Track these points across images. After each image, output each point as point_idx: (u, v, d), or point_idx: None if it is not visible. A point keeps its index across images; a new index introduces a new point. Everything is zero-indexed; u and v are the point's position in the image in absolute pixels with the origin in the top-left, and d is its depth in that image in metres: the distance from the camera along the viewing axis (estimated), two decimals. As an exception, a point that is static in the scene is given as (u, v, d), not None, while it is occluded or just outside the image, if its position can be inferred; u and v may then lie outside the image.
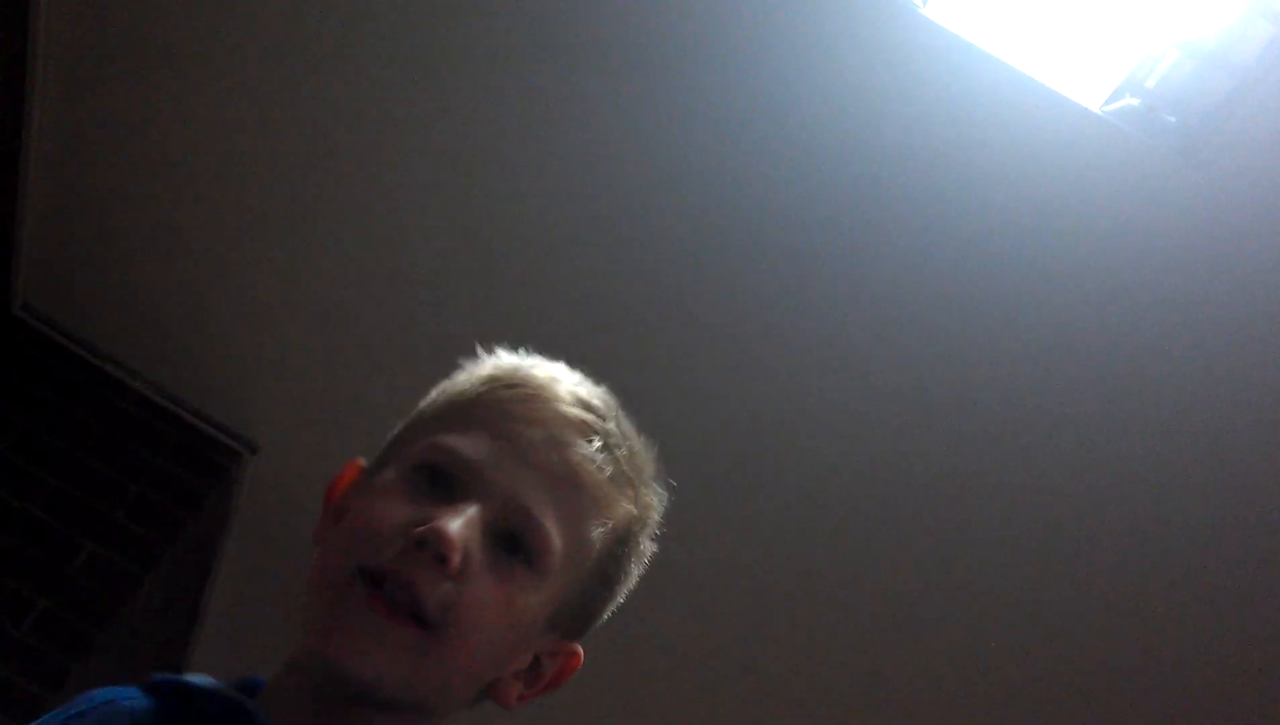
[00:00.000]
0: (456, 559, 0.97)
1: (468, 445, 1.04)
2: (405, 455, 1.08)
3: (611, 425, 1.09)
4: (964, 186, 2.46)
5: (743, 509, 3.11)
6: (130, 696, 1.08)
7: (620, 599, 1.12)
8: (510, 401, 1.08)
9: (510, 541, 1.01)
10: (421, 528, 0.98)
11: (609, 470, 1.06)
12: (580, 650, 1.10)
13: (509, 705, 1.07)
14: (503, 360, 1.13)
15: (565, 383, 1.10)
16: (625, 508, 1.08)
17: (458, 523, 0.98)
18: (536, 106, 2.59)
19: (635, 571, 1.12)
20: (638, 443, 1.12)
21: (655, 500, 1.13)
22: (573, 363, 1.14)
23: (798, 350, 2.80)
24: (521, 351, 1.14)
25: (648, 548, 1.13)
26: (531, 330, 2.94)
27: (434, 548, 0.97)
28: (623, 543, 1.09)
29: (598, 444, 1.06)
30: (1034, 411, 2.72)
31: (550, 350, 1.16)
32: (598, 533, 1.05)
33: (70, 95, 2.88)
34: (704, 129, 2.53)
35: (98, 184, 3.06)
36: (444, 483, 1.03)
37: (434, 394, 1.16)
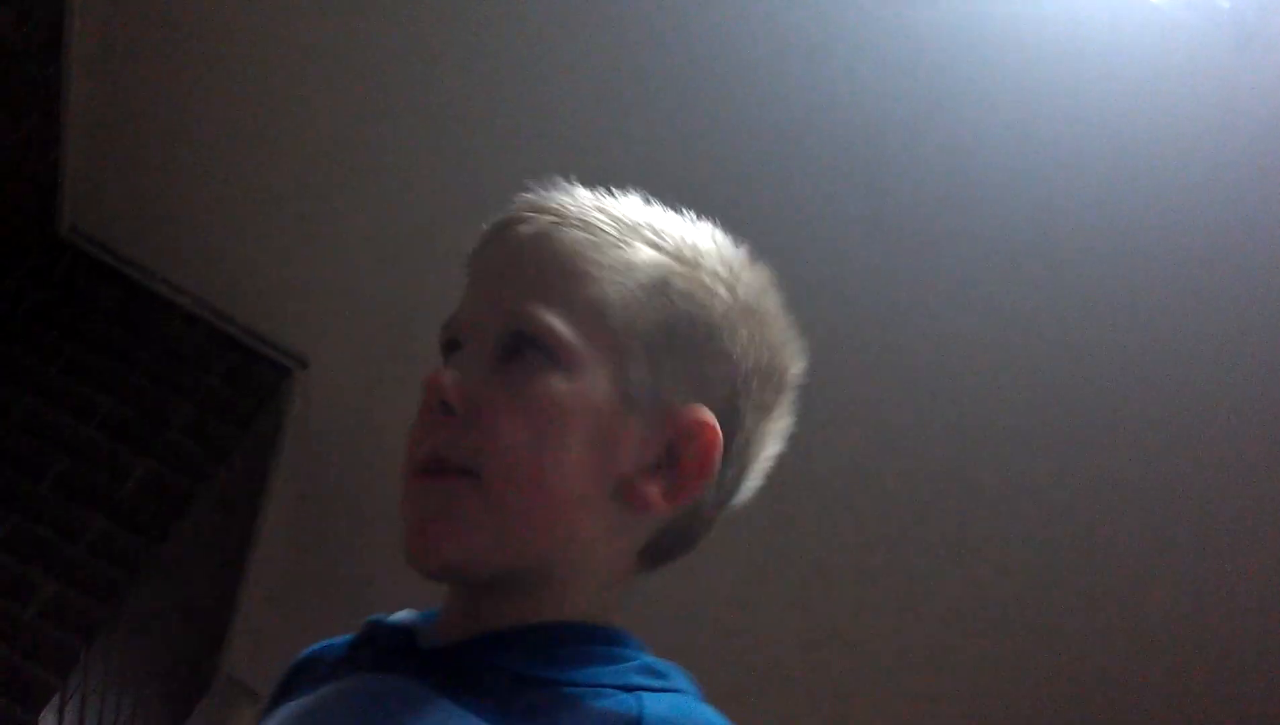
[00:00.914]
0: (450, 397, 0.94)
1: (464, 303, 1.02)
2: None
3: (588, 207, 1.02)
4: (1001, 77, 2.41)
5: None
6: (334, 645, 1.07)
7: (741, 348, 1.01)
8: (486, 238, 1.05)
9: (519, 354, 0.96)
10: (422, 398, 0.96)
11: (591, 239, 1.00)
12: (701, 414, 0.97)
13: (657, 507, 0.97)
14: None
15: (533, 195, 1.05)
16: (638, 257, 1.00)
17: (446, 372, 0.96)
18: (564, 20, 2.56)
19: (720, 313, 1.00)
20: (652, 210, 1.04)
21: (694, 239, 1.03)
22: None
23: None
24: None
25: (723, 284, 1.01)
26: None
27: (434, 401, 0.95)
28: (662, 288, 0.99)
29: (570, 225, 1.00)
30: (1080, 319, 2.69)
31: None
32: (607, 293, 0.97)
33: (111, 14, 2.86)
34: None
35: (141, 104, 3.05)
36: (454, 351, 1.00)
37: None
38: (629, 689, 0.90)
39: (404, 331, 3.32)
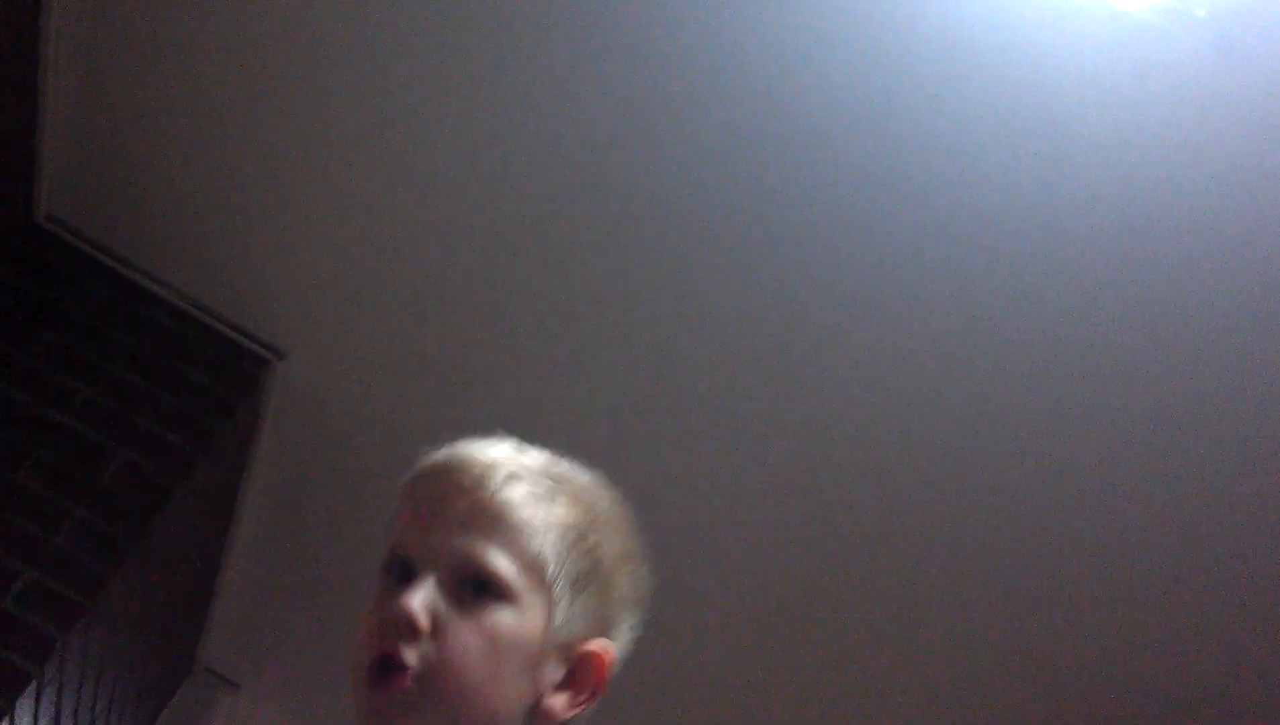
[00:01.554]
0: (420, 619, 1.16)
1: (409, 531, 1.25)
2: (381, 565, 1.26)
3: (521, 464, 1.27)
4: (980, 86, 2.42)
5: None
6: None
7: (623, 589, 1.28)
8: (431, 480, 1.27)
9: (472, 588, 1.19)
10: (388, 611, 1.18)
11: (525, 494, 1.24)
12: (601, 646, 1.24)
13: (561, 718, 1.23)
14: (429, 457, 1.31)
15: (481, 448, 1.29)
16: (561, 514, 1.25)
17: (414, 595, 1.17)
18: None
19: (614, 561, 1.28)
20: (563, 466, 1.30)
21: (597, 500, 1.30)
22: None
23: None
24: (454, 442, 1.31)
25: (619, 542, 1.29)
26: (551, 229, 2.93)
27: (402, 621, 1.16)
28: (579, 542, 1.25)
29: (506, 479, 1.24)
30: (1053, 318, 2.70)
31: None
32: (544, 544, 1.22)
33: (89, 4, 2.86)
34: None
35: (119, 93, 3.04)
36: (403, 571, 1.21)
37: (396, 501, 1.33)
38: None
39: (381, 323, 3.33)
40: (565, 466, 1.31)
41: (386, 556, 1.25)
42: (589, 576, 1.25)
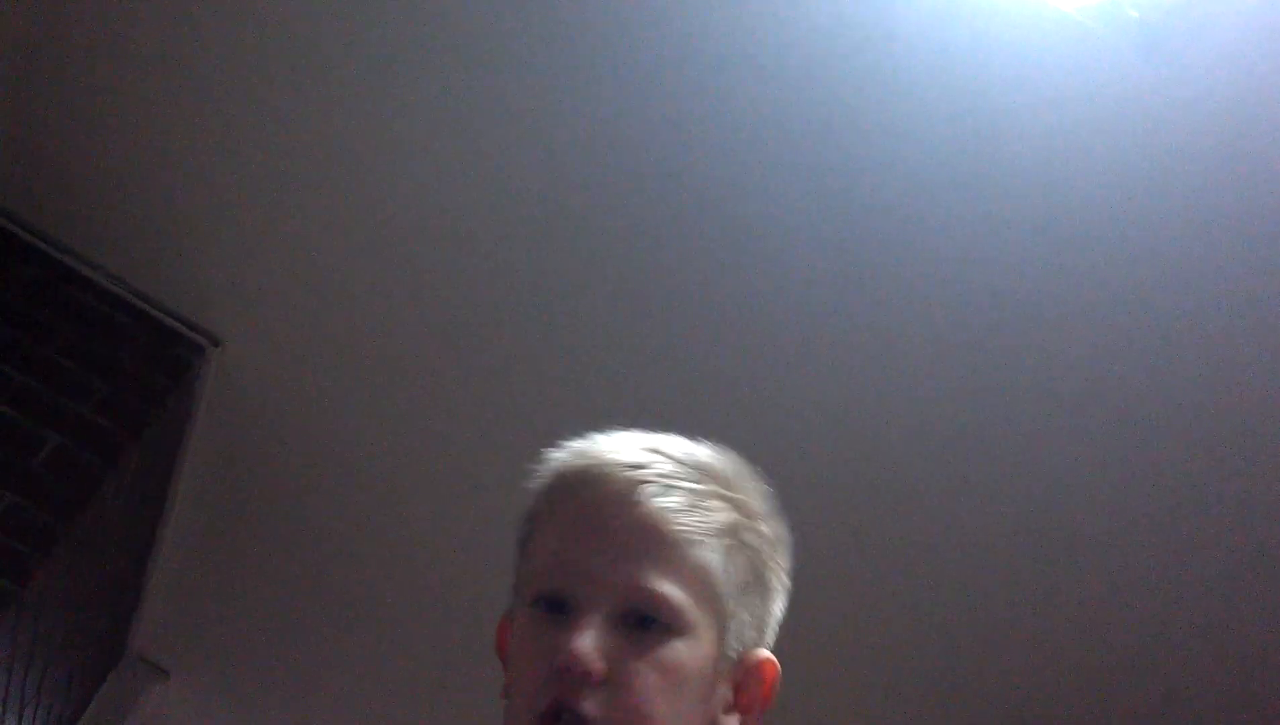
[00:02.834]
0: (595, 666, 1.05)
1: (564, 560, 1.13)
2: (524, 593, 1.15)
3: (665, 463, 1.15)
4: (909, 83, 2.44)
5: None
6: None
7: (781, 587, 1.19)
8: (573, 493, 1.16)
9: (641, 619, 1.09)
10: (559, 658, 1.06)
11: (681, 501, 1.13)
12: (765, 655, 1.16)
13: None
14: (558, 456, 1.20)
15: (615, 449, 1.17)
16: (718, 518, 1.14)
17: (585, 638, 1.06)
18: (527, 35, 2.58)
19: (775, 557, 1.18)
20: (702, 455, 1.18)
21: (742, 485, 1.19)
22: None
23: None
24: (575, 436, 1.20)
25: (770, 530, 1.19)
26: (487, 220, 2.92)
27: (576, 669, 1.05)
28: (740, 548, 1.15)
29: (659, 487, 1.13)
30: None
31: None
32: (708, 557, 1.12)
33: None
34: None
35: (60, 76, 3.02)
36: (560, 604, 1.10)
37: (523, 514, 1.22)
38: None
39: (318, 313, 3.33)
40: (700, 450, 1.20)
41: (537, 591, 1.13)
42: (751, 582, 1.16)
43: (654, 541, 1.11)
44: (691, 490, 1.14)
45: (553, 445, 1.22)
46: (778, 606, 1.20)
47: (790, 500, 1.20)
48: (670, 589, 1.09)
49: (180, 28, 2.84)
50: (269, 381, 3.59)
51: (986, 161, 2.52)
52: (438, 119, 2.80)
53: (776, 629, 1.20)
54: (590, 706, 1.05)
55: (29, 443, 3.09)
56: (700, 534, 1.12)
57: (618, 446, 1.17)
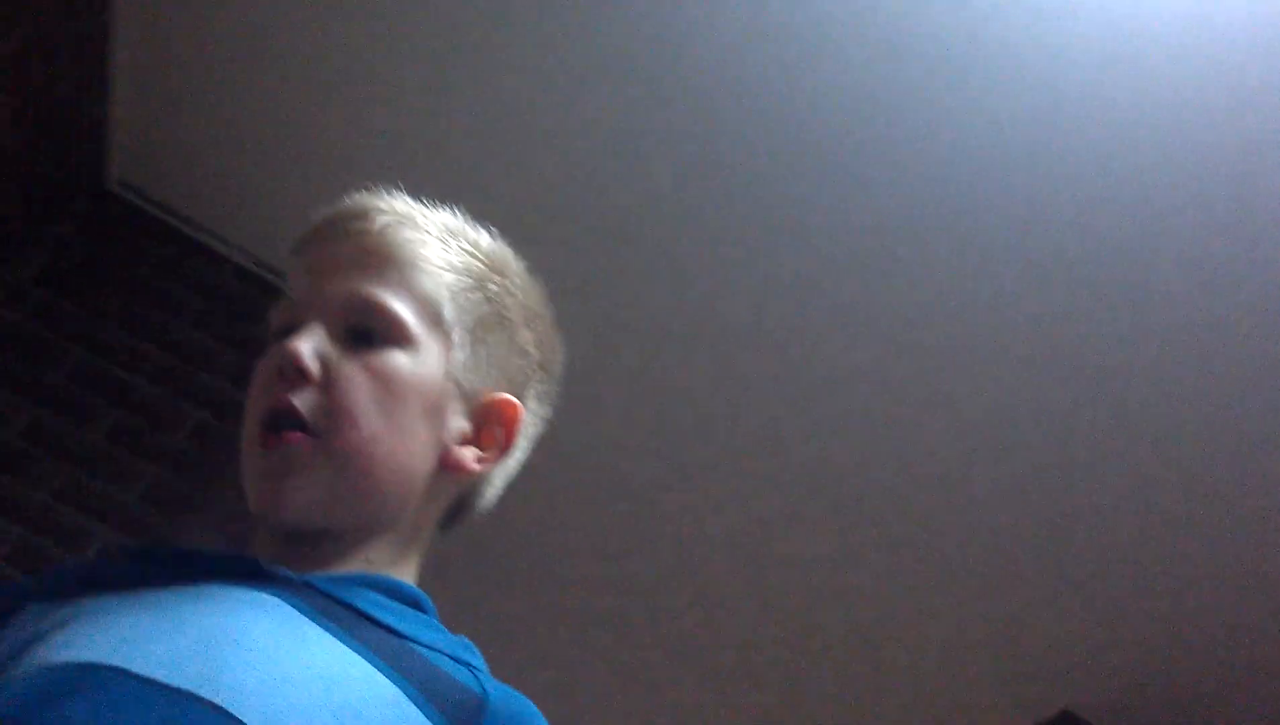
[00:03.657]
0: (308, 363, 1.07)
1: (295, 290, 1.16)
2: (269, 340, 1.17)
3: (411, 207, 1.18)
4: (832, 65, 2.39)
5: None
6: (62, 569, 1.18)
7: (529, 347, 1.20)
8: (316, 234, 1.19)
9: (363, 334, 1.10)
10: (276, 361, 1.08)
11: (417, 236, 1.15)
12: (505, 396, 1.16)
13: (469, 470, 1.14)
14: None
15: (360, 199, 1.20)
16: (457, 260, 1.16)
17: (303, 342, 1.08)
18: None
19: (519, 314, 1.20)
20: (464, 226, 1.21)
21: (501, 256, 1.21)
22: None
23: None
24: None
25: (526, 300, 1.21)
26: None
27: (289, 367, 1.07)
28: (478, 287, 1.17)
29: (396, 221, 1.16)
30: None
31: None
32: (436, 285, 1.14)
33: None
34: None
35: (186, 56, 3.07)
36: (291, 330, 1.12)
37: None
38: (458, 661, 1.03)
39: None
40: (473, 226, 1.22)
41: (273, 326, 1.16)
42: (491, 324, 1.17)
43: (381, 262, 1.13)
44: (432, 233, 1.17)
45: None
46: (528, 370, 1.20)
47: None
48: (392, 301, 1.11)
49: (312, 8, 2.86)
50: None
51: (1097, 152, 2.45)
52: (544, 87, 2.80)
53: (535, 399, 1.21)
54: (303, 404, 1.06)
55: (170, 417, 3.16)
56: (432, 266, 1.14)
57: (368, 196, 1.20)
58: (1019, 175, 2.58)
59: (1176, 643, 3.38)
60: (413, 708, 0.95)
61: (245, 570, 1.02)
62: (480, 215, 1.25)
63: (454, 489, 1.16)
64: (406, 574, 1.13)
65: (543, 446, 1.26)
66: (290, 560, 1.05)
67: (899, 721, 4.01)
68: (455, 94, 2.90)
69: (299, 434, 1.05)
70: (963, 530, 3.34)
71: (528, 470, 1.25)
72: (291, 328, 1.12)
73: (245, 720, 0.87)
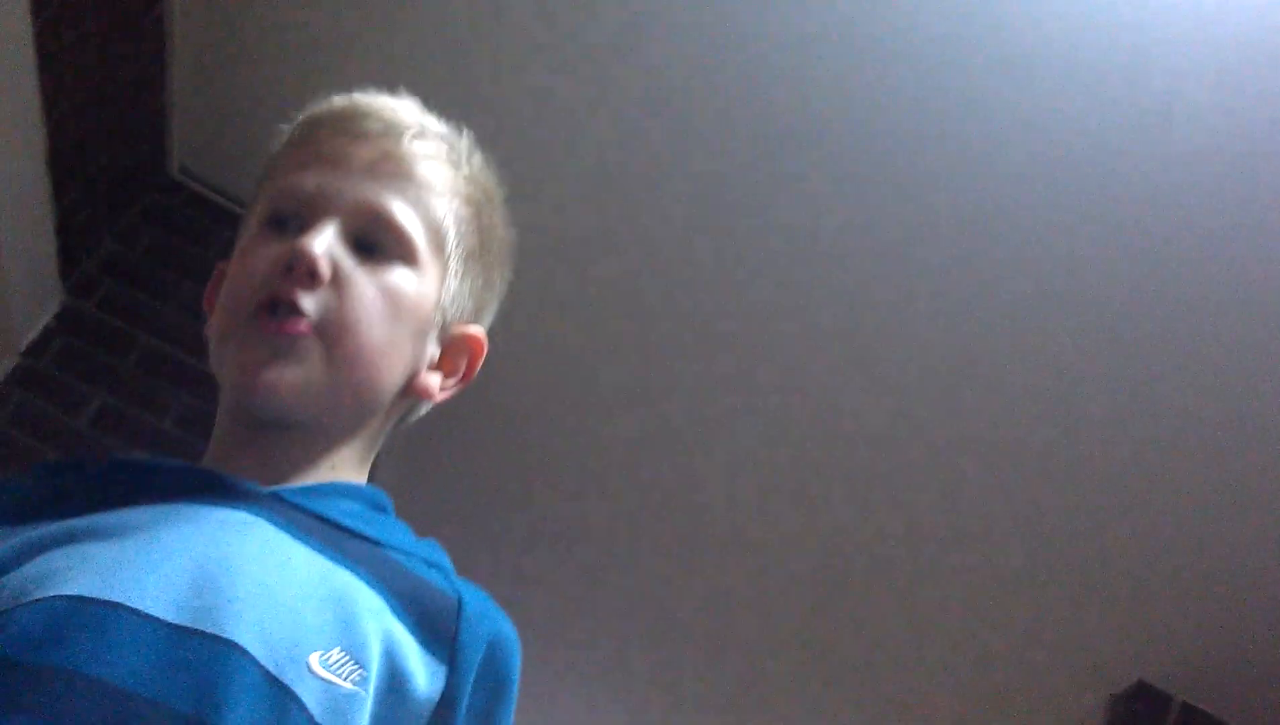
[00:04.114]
0: (323, 266, 1.05)
1: (305, 179, 1.11)
2: (257, 212, 1.15)
3: (427, 120, 1.18)
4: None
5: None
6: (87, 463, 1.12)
7: (499, 282, 1.22)
8: (331, 124, 1.16)
9: (373, 245, 1.09)
10: (288, 256, 1.05)
11: (436, 152, 1.15)
12: (477, 330, 1.18)
13: (432, 397, 1.16)
14: (323, 103, 1.21)
15: (380, 99, 1.19)
16: (464, 186, 1.17)
17: (316, 237, 1.06)
18: None
19: (499, 249, 1.21)
20: (460, 137, 1.20)
21: (493, 182, 1.21)
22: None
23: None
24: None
25: (503, 224, 1.22)
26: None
27: (301, 264, 1.04)
28: (477, 216, 1.17)
29: (418, 132, 1.15)
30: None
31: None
32: (446, 209, 1.14)
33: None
34: None
35: (246, 42, 3.08)
36: (296, 221, 1.09)
37: (272, 150, 1.21)
38: (430, 564, 1.05)
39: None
40: (473, 145, 1.22)
41: (271, 205, 1.13)
42: (478, 257, 1.18)
43: (400, 175, 1.12)
44: (448, 155, 1.17)
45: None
46: (492, 304, 1.22)
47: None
48: (408, 216, 1.10)
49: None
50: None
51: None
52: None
53: (488, 319, 1.22)
54: (310, 303, 1.04)
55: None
56: (445, 188, 1.14)
57: (388, 99, 1.19)
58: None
59: (1252, 612, 3.33)
60: (395, 620, 0.96)
61: (209, 484, 1.02)
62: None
63: (407, 407, 1.17)
64: (365, 479, 1.14)
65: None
66: (251, 460, 1.06)
67: (976, 695, 3.98)
68: (516, 83, 2.90)
69: (306, 323, 1.04)
70: (1039, 503, 3.32)
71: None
72: (294, 217, 1.10)
73: (252, 653, 0.88)
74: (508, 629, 1.04)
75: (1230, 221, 2.58)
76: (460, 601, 1.01)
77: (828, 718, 4.35)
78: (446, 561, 1.08)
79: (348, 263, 1.07)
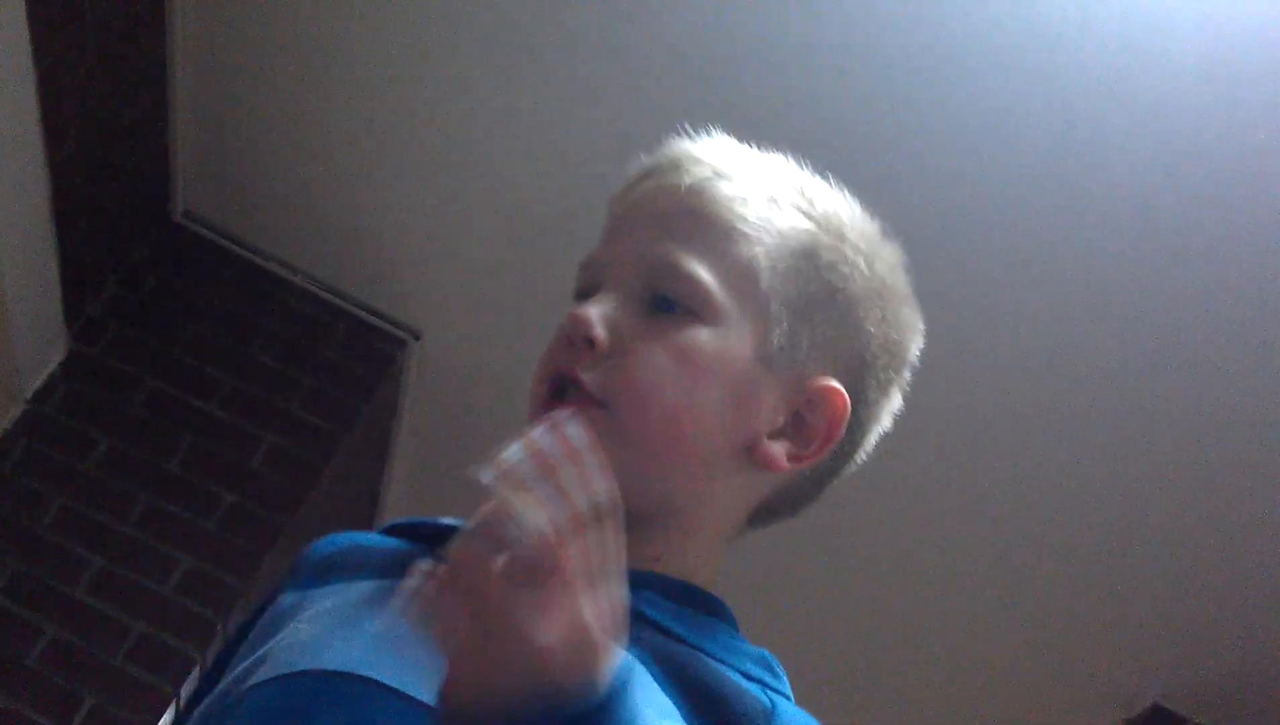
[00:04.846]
0: (599, 332, 0.95)
1: (598, 249, 1.03)
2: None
3: (744, 162, 1.03)
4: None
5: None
6: (370, 538, 1.06)
7: (870, 327, 1.03)
8: (629, 185, 1.05)
9: (662, 301, 0.97)
10: (563, 326, 0.97)
11: (739, 193, 1.00)
12: (833, 383, 1.00)
13: (781, 468, 0.99)
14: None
15: (679, 145, 1.05)
16: (786, 224, 1.01)
17: (592, 306, 0.96)
18: None
19: (859, 287, 1.02)
20: (800, 175, 1.05)
21: (849, 220, 1.04)
22: None
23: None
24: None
25: (865, 265, 1.03)
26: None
27: (577, 334, 0.95)
28: (809, 257, 1.01)
29: (716, 175, 1.01)
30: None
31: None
32: (756, 253, 0.99)
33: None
34: None
35: (248, 86, 3.09)
36: (588, 294, 1.00)
37: None
38: (749, 678, 0.92)
39: (514, 301, 3.34)
40: (812, 180, 1.05)
41: (576, 286, 1.02)
42: (820, 299, 1.00)
43: (691, 223, 0.99)
44: (757, 190, 1.01)
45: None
46: (869, 354, 1.03)
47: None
48: (698, 269, 0.97)
49: (373, 31, 2.87)
50: (469, 369, 3.62)
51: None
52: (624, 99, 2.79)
53: (876, 389, 1.04)
54: (589, 377, 0.94)
55: (245, 443, 3.18)
56: (754, 230, 0.99)
57: (710, 147, 1.04)
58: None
59: (1269, 637, 3.31)
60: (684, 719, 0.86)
61: None
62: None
63: (763, 487, 1.02)
64: (701, 577, 1.00)
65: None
66: None
67: (991, 719, 3.95)
68: (526, 120, 2.90)
69: (586, 401, 0.93)
70: (1055, 524, 3.30)
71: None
72: (591, 290, 1.00)
73: None
74: None
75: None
76: (771, 713, 0.89)
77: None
78: (776, 678, 0.96)
79: (630, 324, 0.96)
